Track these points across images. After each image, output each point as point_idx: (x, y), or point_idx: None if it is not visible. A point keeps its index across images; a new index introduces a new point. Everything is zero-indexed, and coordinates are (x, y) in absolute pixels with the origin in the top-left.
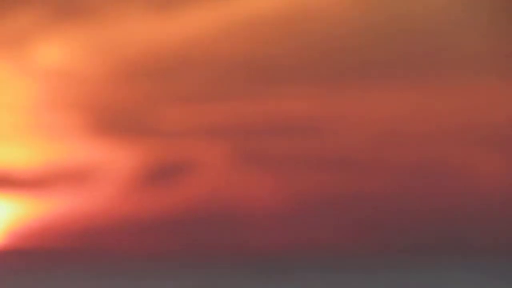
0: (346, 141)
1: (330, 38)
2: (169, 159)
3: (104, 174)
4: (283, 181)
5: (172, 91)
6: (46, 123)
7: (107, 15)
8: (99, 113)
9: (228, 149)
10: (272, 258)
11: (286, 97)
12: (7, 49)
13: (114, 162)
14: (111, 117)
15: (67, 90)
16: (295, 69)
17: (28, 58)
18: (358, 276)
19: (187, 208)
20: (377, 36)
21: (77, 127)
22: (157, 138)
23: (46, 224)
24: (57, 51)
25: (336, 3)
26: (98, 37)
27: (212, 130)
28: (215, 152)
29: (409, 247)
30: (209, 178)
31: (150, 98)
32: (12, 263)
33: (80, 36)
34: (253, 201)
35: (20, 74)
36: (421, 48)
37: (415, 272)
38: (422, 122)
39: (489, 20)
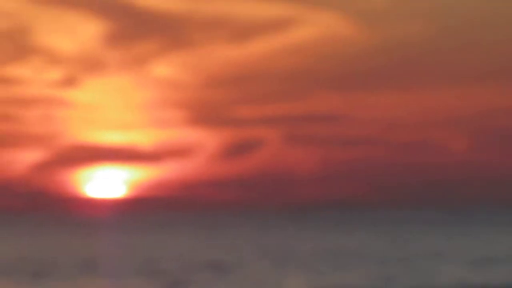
0: (359, 127)
1: (349, 57)
2: (243, 140)
3: (198, 150)
4: (319, 154)
5: (246, 93)
6: (160, 116)
7: (202, 42)
8: (195, 109)
9: (282, 133)
10: (313, 207)
11: (321, 97)
12: (135, 65)
13: (205, 142)
14: (204, 112)
15: (174, 93)
16: (326, 79)
17: (148, 71)
18: (371, 222)
19: (254, 173)
20: (380, 56)
21: (180, 118)
22: (235, 125)
23: (159, 183)
24: (168, 67)
25: (355, 33)
26: (196, 57)
27: (271, 120)
28: (273, 135)
29: (407, 201)
30: (269, 153)
31: (231, 98)
32: (137, 206)
33: (184, 56)
34: (299, 168)
35: (143, 83)
36: (413, 63)
37: (411, 219)
38: (412, 114)
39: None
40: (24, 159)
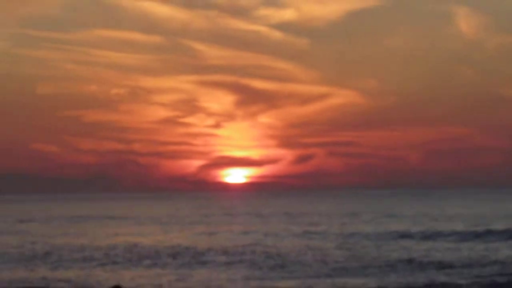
0: (363, 148)
1: (359, 113)
2: (304, 154)
3: (283, 160)
4: (343, 161)
5: (306, 131)
6: (263, 143)
7: (284, 104)
8: (281, 139)
9: (324, 151)
10: (341, 189)
11: (344, 133)
12: (251, 117)
13: (286, 155)
14: (285, 140)
15: (270, 131)
16: (347, 124)
17: (257, 120)
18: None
19: (310, 171)
20: (376, 113)
21: (273, 143)
22: (300, 147)
23: (262, 176)
24: (267, 118)
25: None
26: (282, 112)
27: (319, 144)
28: (320, 152)
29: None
30: (318, 161)
31: (298, 133)
32: (252, 188)
33: (276, 112)
34: (332, 168)
35: (255, 126)
36: (392, 115)
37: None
38: (393, 142)
39: None
40: (194, 163)
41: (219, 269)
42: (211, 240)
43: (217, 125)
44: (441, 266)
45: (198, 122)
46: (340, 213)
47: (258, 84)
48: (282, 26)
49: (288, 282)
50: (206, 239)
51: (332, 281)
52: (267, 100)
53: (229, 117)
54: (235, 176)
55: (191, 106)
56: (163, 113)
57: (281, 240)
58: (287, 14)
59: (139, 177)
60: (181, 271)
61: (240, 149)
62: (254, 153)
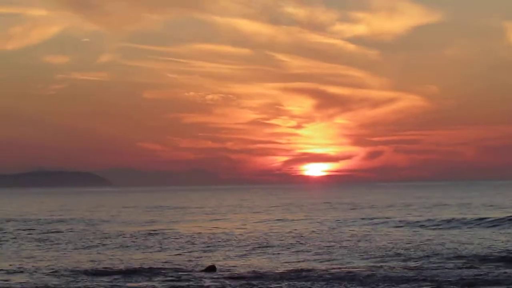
0: (426, 144)
1: (422, 114)
2: (374, 151)
3: (356, 156)
4: (409, 157)
5: (375, 130)
6: (339, 141)
7: (359, 108)
8: (354, 138)
9: (392, 148)
10: (407, 182)
11: (410, 132)
12: (328, 119)
13: (359, 152)
14: (357, 139)
15: (345, 131)
16: (412, 124)
17: (333, 121)
18: None
19: (380, 166)
20: (436, 114)
21: (347, 142)
22: (370, 145)
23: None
24: (342, 119)
25: None
26: (355, 114)
27: (387, 142)
28: (388, 149)
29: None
30: (386, 157)
31: (369, 133)
32: (330, 180)
33: (350, 114)
34: (399, 162)
35: (331, 126)
36: (451, 117)
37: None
38: (451, 139)
39: None
40: (279, 159)
41: (303, 253)
42: (294, 227)
43: (298, 126)
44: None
45: (282, 123)
46: (426, 204)
47: (334, 90)
48: (355, 40)
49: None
50: (292, 227)
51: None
52: (342, 104)
53: (309, 118)
54: (314, 170)
55: (276, 110)
56: (251, 115)
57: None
58: (360, 29)
59: (232, 171)
60: (267, 255)
61: (318, 146)
62: (330, 150)
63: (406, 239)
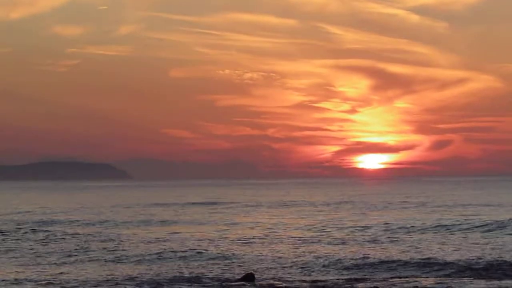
0: (503, 133)
1: (496, 98)
2: (441, 140)
3: (419, 146)
4: (481, 147)
5: (444, 116)
6: (399, 128)
7: (421, 89)
8: (417, 124)
9: (462, 137)
10: (478, 175)
11: (483, 118)
12: (387, 102)
13: (423, 141)
14: (422, 126)
15: (407, 116)
16: (486, 108)
17: (394, 105)
18: None
19: (447, 157)
20: None
21: (409, 129)
22: (437, 133)
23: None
24: (404, 103)
25: None
26: (418, 97)
27: (456, 130)
28: (457, 138)
29: None
30: (455, 147)
31: (435, 119)
32: (387, 173)
33: (412, 97)
34: (470, 154)
35: (391, 111)
36: None
37: None
38: None
39: None
40: (330, 149)
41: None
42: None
43: (352, 110)
44: None
45: (333, 107)
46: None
47: (395, 68)
48: (420, 9)
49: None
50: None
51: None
52: (404, 84)
53: (365, 102)
54: (371, 162)
55: (326, 91)
56: (297, 98)
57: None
58: None
59: (274, 162)
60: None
61: (375, 134)
62: (389, 139)
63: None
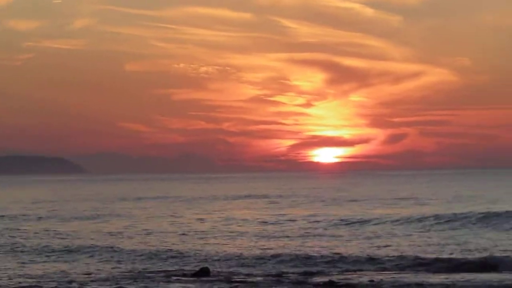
0: (457, 127)
1: (450, 91)
2: (396, 134)
3: (373, 140)
4: (436, 141)
5: (397, 110)
6: (354, 122)
7: (376, 83)
8: (371, 118)
9: (416, 130)
10: (432, 169)
11: (437, 111)
12: (342, 96)
13: (377, 135)
14: (376, 119)
15: (362, 110)
16: (439, 102)
17: (348, 99)
18: None
19: (402, 151)
20: (465, 91)
21: (364, 123)
22: (391, 127)
23: (352, 156)
24: (359, 97)
25: None
26: (373, 91)
27: (411, 124)
28: (412, 132)
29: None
30: (410, 141)
31: (389, 113)
32: (341, 167)
33: (367, 91)
34: (425, 148)
35: (346, 105)
36: (484, 93)
37: None
38: (484, 121)
39: None
40: (284, 143)
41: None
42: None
43: (307, 104)
44: None
45: (288, 101)
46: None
47: (350, 62)
48: (375, 3)
49: None
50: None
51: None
52: (359, 78)
53: (320, 95)
54: (326, 155)
55: (281, 85)
56: (252, 91)
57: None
58: None
59: (229, 156)
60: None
61: (331, 128)
62: (345, 133)
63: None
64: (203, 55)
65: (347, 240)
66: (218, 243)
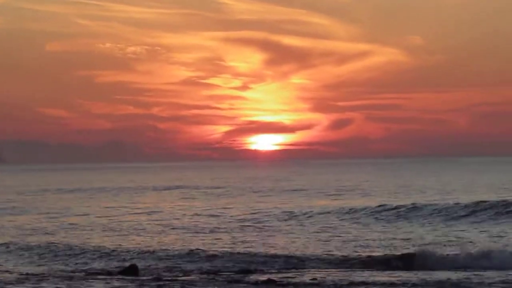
0: (407, 111)
1: (401, 72)
2: (341, 119)
3: (316, 125)
4: (384, 127)
5: (343, 93)
6: (295, 106)
7: (318, 64)
8: (315, 102)
9: (363, 115)
10: (378, 157)
11: (386, 95)
12: (282, 78)
13: (320, 120)
14: (320, 103)
15: (303, 93)
16: (388, 85)
17: (289, 81)
18: None
19: (347, 137)
20: (416, 72)
21: (306, 108)
22: (336, 111)
23: (293, 143)
24: (300, 79)
25: None
26: (316, 73)
27: (357, 108)
28: (358, 116)
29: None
30: (356, 127)
31: (334, 96)
32: (282, 155)
33: (309, 72)
34: (372, 134)
35: (286, 87)
36: (437, 75)
37: None
38: (436, 104)
39: None
40: (219, 129)
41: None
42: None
43: (244, 87)
44: None
45: (223, 83)
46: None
47: (290, 41)
48: None
49: None
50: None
51: None
52: (300, 59)
53: (258, 77)
54: (264, 143)
55: (215, 66)
56: (184, 73)
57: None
58: None
59: (159, 144)
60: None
61: (269, 113)
62: (285, 118)
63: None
64: (130, 34)
65: (287, 235)
66: (146, 239)
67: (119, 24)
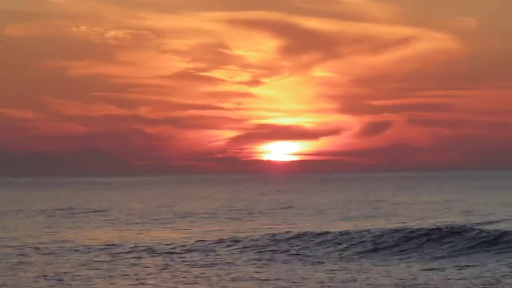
0: (458, 113)
1: (450, 64)
2: (376, 122)
3: (345, 130)
4: (430, 132)
5: (379, 90)
6: (318, 106)
7: (349, 53)
8: (343, 101)
9: (404, 117)
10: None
11: (431, 92)
12: (302, 70)
13: (350, 124)
14: (349, 103)
15: (329, 90)
16: (435, 79)
17: (311, 74)
18: None
19: (385, 145)
20: (471, 63)
21: (332, 108)
22: (370, 113)
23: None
24: (324, 71)
25: None
26: (344, 64)
27: (396, 108)
28: (397, 119)
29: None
30: (395, 131)
31: (368, 94)
32: (302, 168)
33: (336, 64)
34: (416, 141)
35: (307, 82)
36: (494, 68)
37: None
38: (494, 104)
39: None
40: (224, 134)
41: None
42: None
43: (254, 82)
44: None
45: (228, 77)
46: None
47: (313, 23)
48: None
49: None
50: None
51: None
52: (325, 46)
53: (272, 70)
54: (280, 152)
55: (218, 55)
56: (179, 64)
57: None
58: None
59: (149, 153)
60: None
61: (286, 115)
62: (305, 121)
63: None
64: (111, 15)
65: None
66: None
67: (97, 2)
